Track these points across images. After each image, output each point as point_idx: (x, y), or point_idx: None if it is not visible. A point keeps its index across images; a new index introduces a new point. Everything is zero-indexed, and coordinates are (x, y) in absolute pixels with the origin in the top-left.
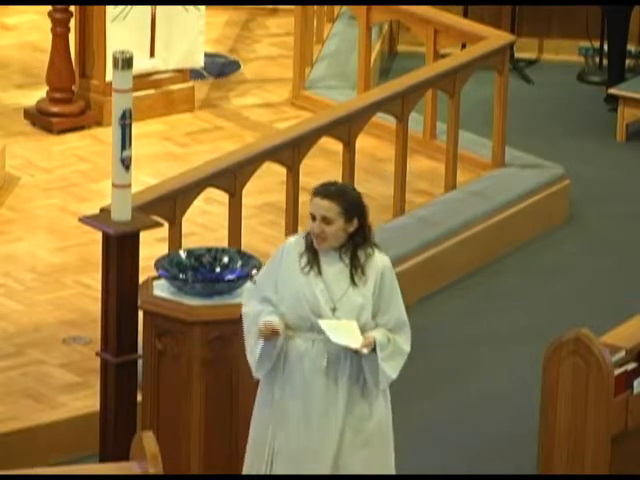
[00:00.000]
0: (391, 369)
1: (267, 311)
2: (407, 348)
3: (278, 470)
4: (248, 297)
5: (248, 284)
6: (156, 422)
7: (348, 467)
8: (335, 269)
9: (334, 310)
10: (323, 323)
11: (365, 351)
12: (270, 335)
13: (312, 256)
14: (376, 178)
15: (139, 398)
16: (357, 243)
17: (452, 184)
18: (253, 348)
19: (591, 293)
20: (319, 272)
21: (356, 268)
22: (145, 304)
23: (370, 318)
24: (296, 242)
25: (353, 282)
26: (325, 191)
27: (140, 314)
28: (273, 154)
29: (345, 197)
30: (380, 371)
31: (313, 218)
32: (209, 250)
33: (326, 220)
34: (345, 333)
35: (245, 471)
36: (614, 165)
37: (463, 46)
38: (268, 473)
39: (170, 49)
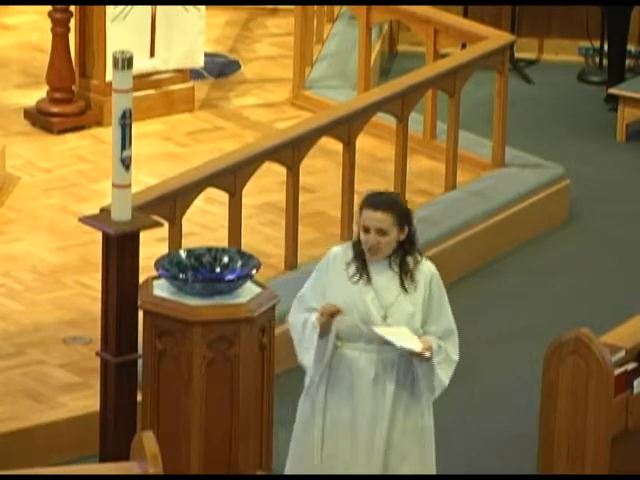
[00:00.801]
0: (444, 375)
1: (313, 316)
2: (456, 357)
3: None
4: (294, 309)
5: (299, 295)
6: (156, 422)
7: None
8: (385, 277)
9: (385, 318)
10: (379, 330)
11: (428, 354)
12: (334, 313)
13: (361, 265)
14: (376, 178)
15: (139, 398)
16: (406, 250)
17: (452, 184)
18: (307, 350)
19: (591, 293)
20: (369, 280)
21: (406, 274)
22: (145, 304)
23: (420, 325)
24: (342, 252)
25: (404, 289)
26: (377, 203)
27: (140, 314)
28: (273, 154)
29: (397, 207)
30: (435, 376)
31: (366, 230)
32: (209, 250)
33: (381, 232)
34: (403, 338)
35: None
36: (614, 165)
37: (463, 46)
38: None
39: (170, 49)
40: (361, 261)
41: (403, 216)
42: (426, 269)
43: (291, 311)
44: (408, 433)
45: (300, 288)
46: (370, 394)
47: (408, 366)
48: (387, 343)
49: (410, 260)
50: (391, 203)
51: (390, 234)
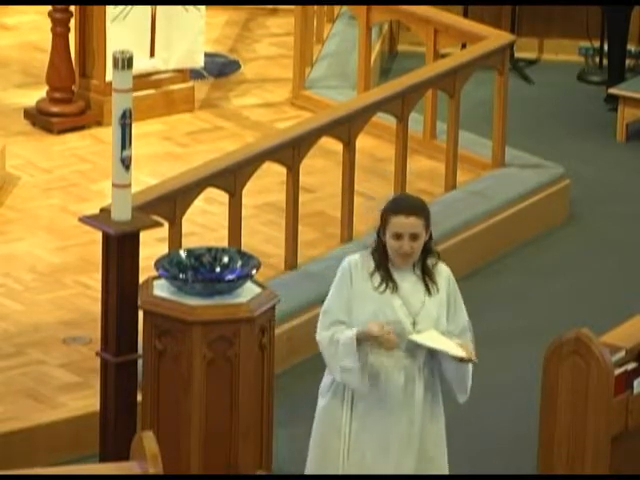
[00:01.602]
0: (470, 376)
1: (341, 329)
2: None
3: None
4: (321, 325)
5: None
6: (156, 422)
7: None
8: (409, 282)
9: (414, 324)
10: (419, 339)
11: (475, 358)
12: (393, 340)
13: (386, 274)
14: (376, 178)
15: (139, 398)
16: (427, 252)
17: (452, 184)
18: (348, 361)
19: (591, 293)
20: (395, 289)
21: (430, 277)
22: (145, 304)
23: (446, 326)
24: (362, 261)
25: (428, 292)
26: (409, 208)
27: (140, 314)
28: (273, 154)
29: (426, 209)
30: (468, 378)
31: (399, 237)
32: (209, 250)
33: (415, 236)
34: (443, 343)
35: None
36: (614, 165)
37: (463, 46)
38: None
39: (170, 49)
40: (384, 269)
41: (429, 218)
42: (444, 269)
43: (318, 328)
44: (434, 436)
45: (300, 288)
46: (401, 400)
47: (430, 370)
48: (420, 349)
49: (430, 263)
50: (421, 206)
51: (422, 238)
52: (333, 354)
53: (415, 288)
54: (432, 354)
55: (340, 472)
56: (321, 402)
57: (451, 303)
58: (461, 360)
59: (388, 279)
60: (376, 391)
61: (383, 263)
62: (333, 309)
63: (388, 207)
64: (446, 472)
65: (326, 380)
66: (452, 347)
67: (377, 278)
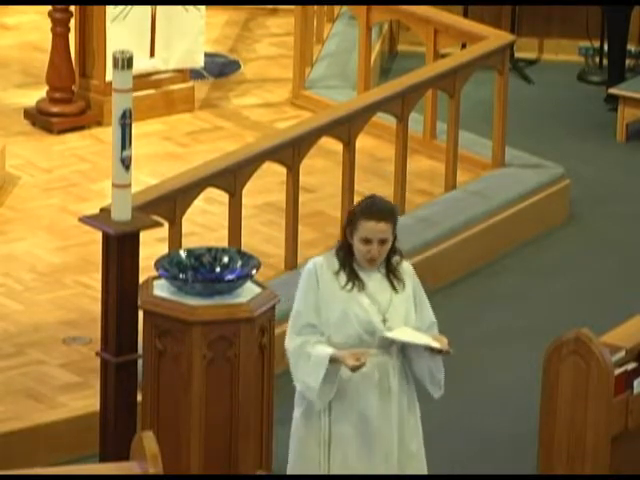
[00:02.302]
0: (443, 370)
1: (312, 342)
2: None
3: None
4: (290, 330)
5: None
6: (156, 422)
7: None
8: (375, 280)
9: (385, 321)
10: (393, 335)
11: (450, 349)
12: (361, 364)
13: (351, 272)
14: (376, 178)
15: (139, 398)
16: (391, 251)
17: (452, 184)
18: (311, 379)
19: (591, 293)
20: (362, 287)
21: (394, 274)
22: (145, 304)
23: (415, 322)
24: (327, 262)
25: (394, 289)
26: (379, 213)
27: (140, 314)
28: (273, 154)
29: (395, 214)
30: (441, 372)
31: (367, 242)
32: (209, 250)
33: (383, 241)
34: (415, 337)
35: None
36: (614, 165)
37: (463, 46)
38: None
39: (170, 49)
40: (350, 268)
41: (397, 221)
42: (406, 266)
43: (288, 332)
44: (413, 427)
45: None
46: (377, 397)
47: (402, 365)
48: (393, 345)
49: (394, 261)
50: (391, 211)
51: (389, 242)
52: (300, 365)
53: (381, 286)
54: (403, 353)
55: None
56: (297, 412)
57: (417, 300)
58: (439, 352)
59: (354, 278)
60: (352, 391)
61: (348, 262)
62: (303, 312)
63: (359, 211)
64: (425, 467)
65: (297, 390)
66: (427, 339)
67: (343, 277)
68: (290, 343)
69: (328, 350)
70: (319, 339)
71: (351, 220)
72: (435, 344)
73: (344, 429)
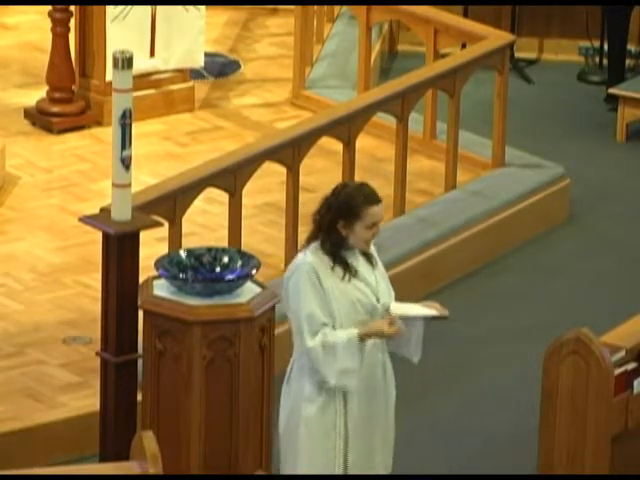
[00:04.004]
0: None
1: (327, 332)
2: None
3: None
4: (308, 332)
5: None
6: (156, 422)
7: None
8: (360, 263)
9: (378, 300)
10: (396, 311)
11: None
12: (398, 328)
13: (344, 263)
14: (376, 178)
15: (139, 398)
16: None
17: (452, 184)
18: (348, 363)
19: (591, 293)
20: (355, 273)
21: (368, 253)
22: (145, 304)
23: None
24: (318, 259)
25: (372, 266)
26: (377, 196)
27: (140, 314)
28: (273, 154)
29: None
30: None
31: (373, 225)
32: (209, 250)
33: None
34: (415, 310)
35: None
36: (614, 165)
37: (463, 46)
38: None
39: (170, 49)
40: (341, 259)
41: None
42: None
43: (304, 336)
44: (391, 408)
45: None
46: (381, 375)
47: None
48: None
49: None
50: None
51: None
52: (330, 359)
53: (366, 267)
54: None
55: (338, 471)
56: (310, 409)
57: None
58: (443, 318)
59: (348, 267)
60: (365, 389)
61: (338, 254)
62: (317, 313)
63: (358, 201)
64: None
65: (310, 387)
66: (427, 310)
67: (339, 270)
68: (310, 343)
69: (353, 331)
70: (329, 329)
71: (350, 212)
72: (437, 312)
73: (357, 428)
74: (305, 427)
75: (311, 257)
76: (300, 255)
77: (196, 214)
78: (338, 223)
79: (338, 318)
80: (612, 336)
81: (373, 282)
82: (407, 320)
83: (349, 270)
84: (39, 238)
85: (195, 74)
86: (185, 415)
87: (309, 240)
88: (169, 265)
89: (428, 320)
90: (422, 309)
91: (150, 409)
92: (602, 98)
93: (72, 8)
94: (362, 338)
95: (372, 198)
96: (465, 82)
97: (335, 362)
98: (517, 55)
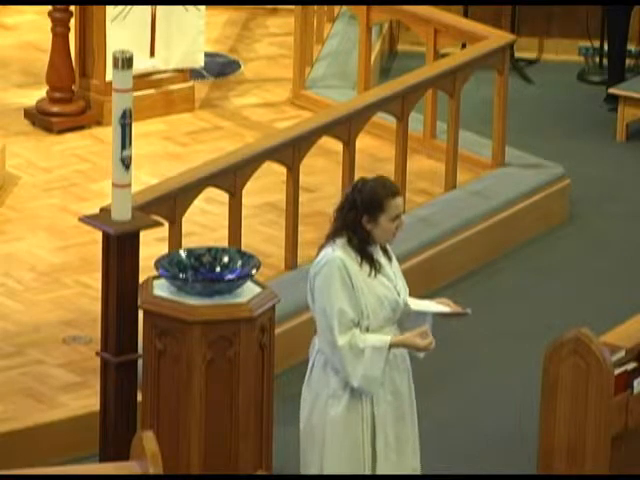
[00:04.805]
0: None
1: (357, 335)
2: None
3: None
4: (339, 329)
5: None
6: (156, 422)
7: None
8: (382, 259)
9: (399, 294)
10: (417, 308)
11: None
12: (431, 340)
13: (371, 259)
14: None
15: (139, 398)
16: None
17: (452, 184)
18: (374, 370)
19: (591, 293)
20: (380, 268)
21: (384, 247)
22: (145, 304)
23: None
24: (346, 255)
25: (390, 261)
26: (396, 187)
27: (140, 314)
28: (273, 154)
29: None
30: None
31: (397, 217)
32: (209, 250)
33: None
34: (433, 306)
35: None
36: (614, 165)
37: (463, 46)
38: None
39: (170, 49)
40: (368, 255)
41: None
42: None
43: (334, 331)
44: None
45: (300, 288)
46: (405, 368)
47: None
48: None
49: None
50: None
51: None
52: (356, 362)
53: (386, 262)
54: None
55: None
56: (335, 409)
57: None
58: (461, 315)
59: (374, 263)
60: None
61: (364, 250)
62: (347, 310)
63: (380, 194)
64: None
65: (336, 382)
66: (441, 307)
67: (366, 266)
68: (340, 341)
69: (385, 338)
70: (358, 332)
71: (375, 206)
72: (449, 309)
73: (383, 403)
74: (331, 427)
75: (340, 253)
76: (328, 250)
77: (196, 214)
78: (363, 218)
79: (366, 314)
80: (612, 336)
81: (393, 277)
82: (417, 316)
83: (375, 266)
84: (39, 238)
85: (195, 74)
86: (185, 415)
87: (329, 238)
88: (169, 265)
89: (449, 318)
90: (437, 306)
91: (150, 409)
92: (602, 98)
93: (72, 8)
94: (392, 346)
95: (394, 190)
96: (465, 82)
97: (360, 367)
98: (517, 55)
